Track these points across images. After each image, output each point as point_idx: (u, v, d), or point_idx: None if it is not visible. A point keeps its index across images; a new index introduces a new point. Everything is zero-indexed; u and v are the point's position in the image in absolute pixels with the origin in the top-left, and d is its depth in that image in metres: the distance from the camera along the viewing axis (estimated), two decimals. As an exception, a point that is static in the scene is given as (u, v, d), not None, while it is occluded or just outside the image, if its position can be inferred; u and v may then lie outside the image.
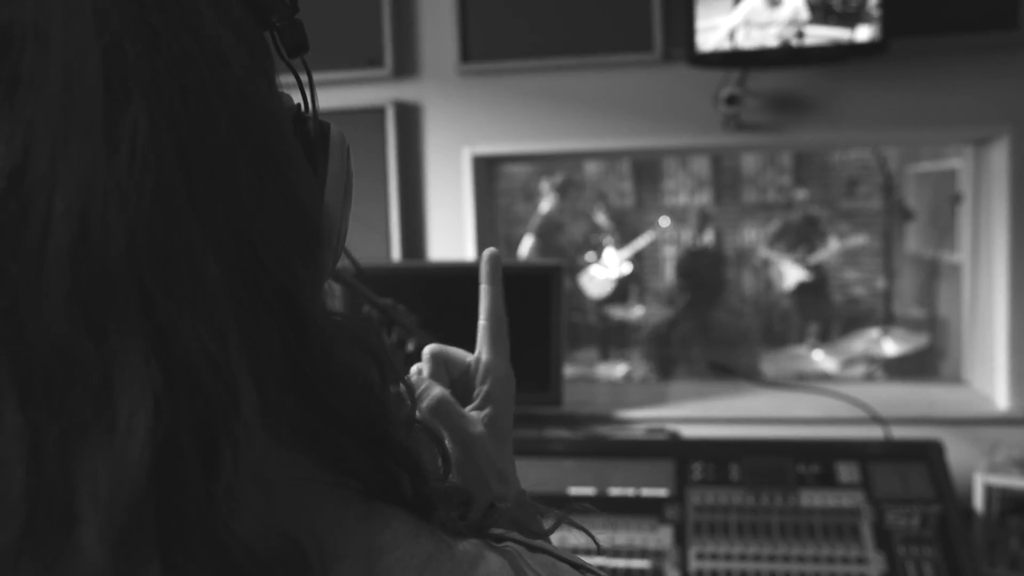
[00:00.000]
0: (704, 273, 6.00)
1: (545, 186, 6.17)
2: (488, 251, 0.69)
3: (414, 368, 0.66)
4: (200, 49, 0.37)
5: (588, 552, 1.17)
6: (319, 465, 0.41)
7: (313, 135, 0.47)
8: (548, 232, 5.99)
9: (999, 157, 1.84)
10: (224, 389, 0.34)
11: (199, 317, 0.34)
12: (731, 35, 1.74)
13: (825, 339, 5.77)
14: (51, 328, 0.32)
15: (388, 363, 0.45)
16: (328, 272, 0.47)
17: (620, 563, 1.45)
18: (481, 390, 0.66)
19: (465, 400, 0.66)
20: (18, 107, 0.33)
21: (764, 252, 6.11)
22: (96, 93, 0.34)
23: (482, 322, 0.68)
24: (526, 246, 5.90)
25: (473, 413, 0.64)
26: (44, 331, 0.32)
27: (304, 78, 0.49)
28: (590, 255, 6.23)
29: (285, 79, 0.47)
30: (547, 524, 0.53)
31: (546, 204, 6.10)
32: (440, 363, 0.67)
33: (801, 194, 6.08)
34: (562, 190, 6.15)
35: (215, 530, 0.33)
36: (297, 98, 0.48)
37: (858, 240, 5.84)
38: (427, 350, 0.67)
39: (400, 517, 0.42)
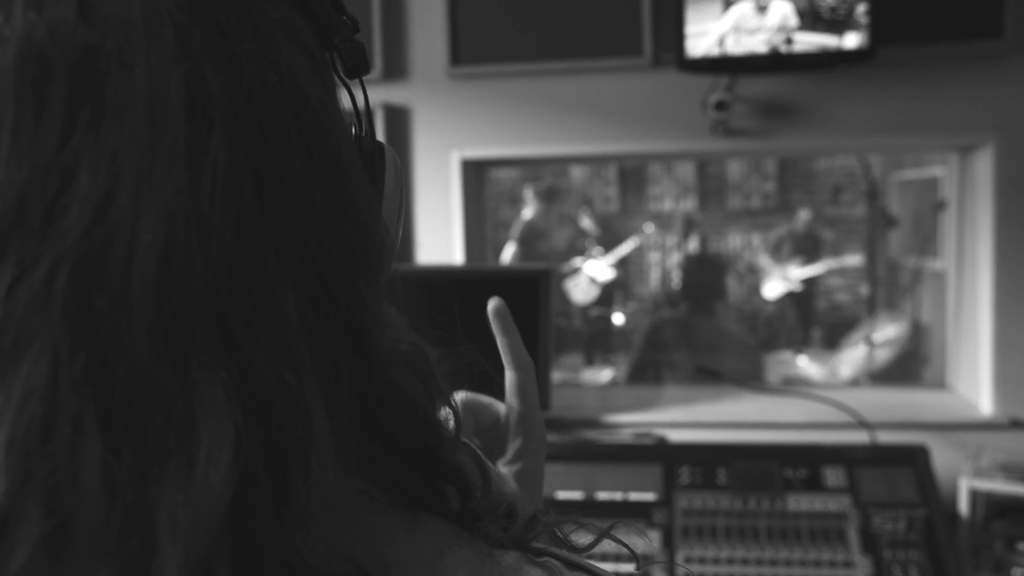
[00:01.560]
0: (705, 279, 6.02)
1: (529, 193, 6.17)
2: (491, 304, 0.70)
3: None
4: (279, 79, 0.37)
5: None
6: (374, 486, 0.41)
7: (368, 155, 0.47)
8: (531, 239, 5.99)
9: (983, 164, 1.85)
10: (299, 420, 0.34)
11: (276, 348, 0.34)
12: (720, 41, 1.75)
13: (808, 345, 5.80)
14: (134, 360, 0.31)
15: (436, 385, 0.46)
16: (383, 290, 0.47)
17: (608, 567, 1.45)
18: (515, 444, 0.65)
19: (493, 452, 0.66)
20: (103, 136, 0.33)
21: (763, 260, 6.12)
22: (179, 123, 0.33)
23: (510, 373, 0.67)
24: (508, 253, 5.90)
25: (504, 469, 0.64)
26: (127, 363, 0.31)
27: (361, 99, 0.48)
28: (576, 260, 6.23)
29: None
30: (586, 539, 0.51)
31: (529, 211, 6.10)
32: (469, 413, 0.67)
33: (804, 214, 6.10)
34: (547, 197, 6.15)
35: (287, 557, 0.33)
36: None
37: (854, 259, 5.87)
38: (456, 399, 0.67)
39: (443, 528, 0.43)
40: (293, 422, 0.34)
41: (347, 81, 0.46)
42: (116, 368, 0.31)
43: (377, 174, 0.47)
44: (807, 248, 5.92)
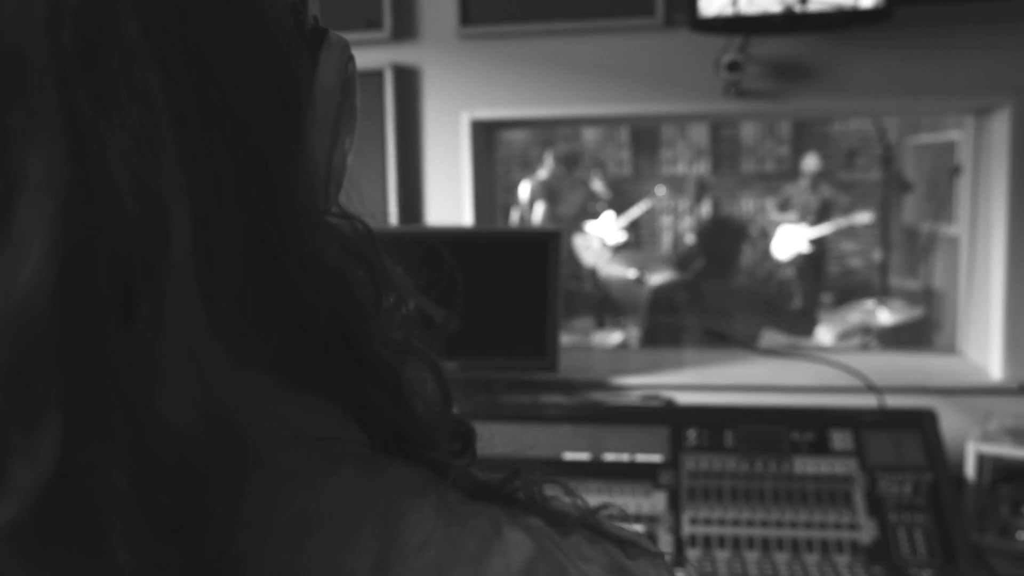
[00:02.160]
0: (721, 242, 6.01)
1: (548, 156, 6.15)
2: None
3: None
4: None
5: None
6: (280, 375, 0.36)
7: (307, 26, 0.41)
8: (547, 199, 6.00)
9: (1000, 127, 1.83)
10: (148, 216, 0.28)
11: (129, 128, 0.28)
12: (733, 0, 1.72)
13: (820, 309, 5.79)
14: None
15: (383, 273, 0.40)
16: (325, 164, 0.41)
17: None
18: None
19: None
20: None
21: (773, 215, 6.09)
22: None
23: None
24: (538, 212, 5.91)
25: None
26: None
27: None
28: (588, 223, 6.22)
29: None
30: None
31: (544, 172, 6.09)
32: None
33: (812, 162, 6.03)
34: (567, 162, 6.14)
35: (127, 398, 0.27)
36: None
37: (863, 217, 5.82)
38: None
39: (406, 472, 0.38)
40: (141, 219, 0.27)
41: None
42: None
43: (312, 42, 0.40)
44: (814, 207, 5.88)
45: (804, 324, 5.28)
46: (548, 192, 6.04)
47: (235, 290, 0.31)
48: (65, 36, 0.27)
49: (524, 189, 6.08)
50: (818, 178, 5.94)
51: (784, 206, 5.99)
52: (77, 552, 0.26)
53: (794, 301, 5.95)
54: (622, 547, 0.42)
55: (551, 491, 0.43)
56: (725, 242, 6.10)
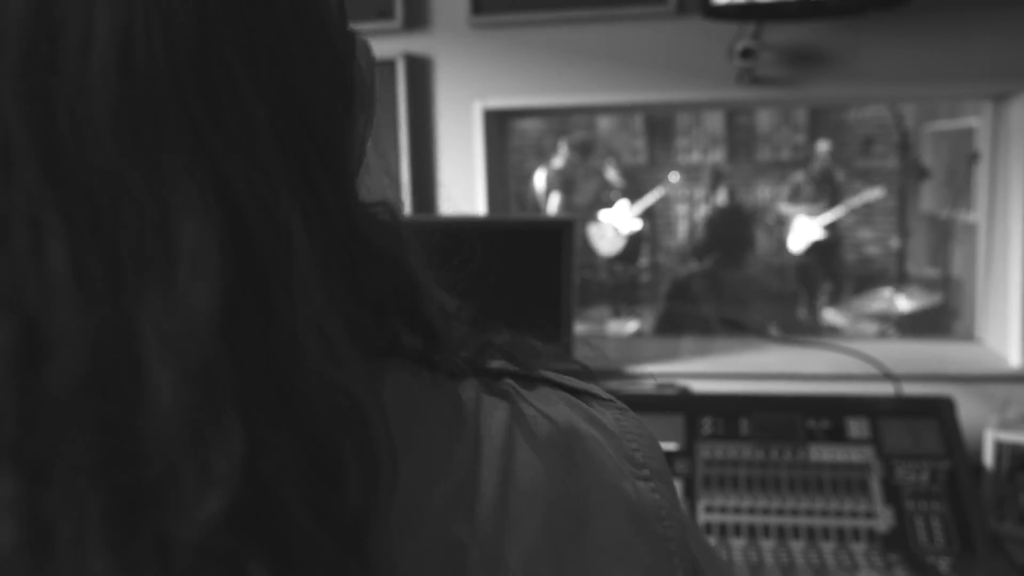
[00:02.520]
0: (733, 231, 5.98)
1: (563, 145, 6.14)
2: None
3: None
4: None
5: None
6: (365, 324, 0.40)
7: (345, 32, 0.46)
8: (563, 188, 5.99)
9: (1018, 113, 1.81)
10: (276, 237, 0.32)
11: (247, 157, 0.32)
12: (747, -14, 1.71)
13: (838, 297, 5.75)
14: (97, 151, 0.29)
15: (417, 250, 0.45)
16: (362, 147, 0.45)
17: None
18: None
19: None
20: None
21: (784, 208, 6.06)
22: None
23: None
24: (554, 202, 5.91)
25: None
26: (90, 154, 0.29)
27: None
28: (602, 212, 6.21)
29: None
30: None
31: (559, 160, 6.08)
32: None
33: (823, 145, 6.00)
34: (581, 149, 6.13)
35: (280, 385, 0.31)
36: None
37: (873, 193, 5.77)
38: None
39: (403, 365, 0.43)
40: (271, 238, 0.32)
41: None
42: (77, 160, 0.29)
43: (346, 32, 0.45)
44: (826, 191, 5.84)
45: (816, 316, 5.26)
46: (563, 181, 6.03)
47: (344, 289, 0.36)
48: (186, 80, 0.31)
49: (539, 178, 6.07)
50: (828, 162, 5.90)
51: (794, 196, 5.95)
52: (268, 529, 0.30)
53: (806, 294, 5.91)
54: (579, 396, 0.48)
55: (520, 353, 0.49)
56: (738, 231, 6.06)
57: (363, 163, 0.46)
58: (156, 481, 0.28)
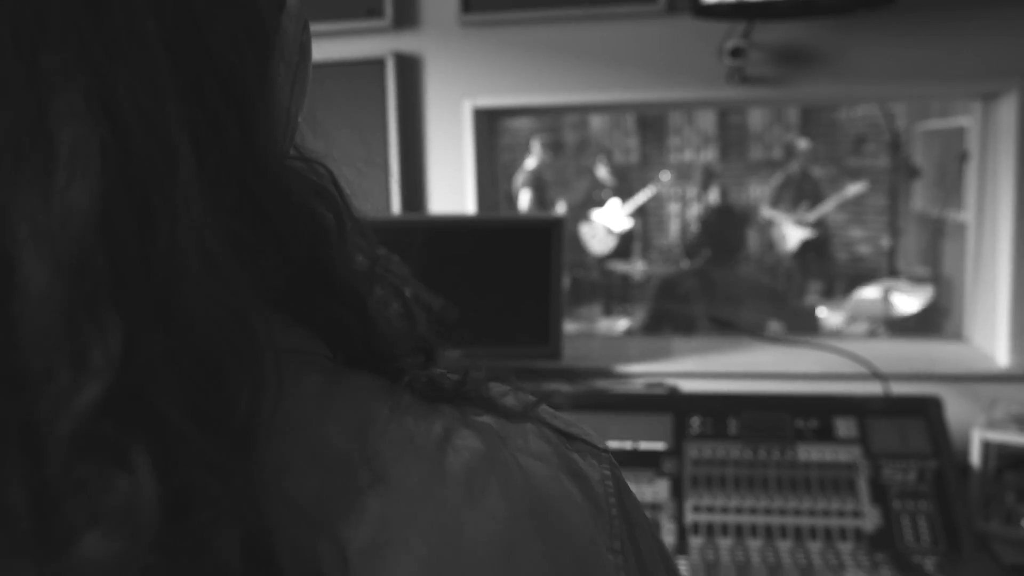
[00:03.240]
0: (725, 231, 5.99)
1: (535, 144, 6.15)
2: None
3: None
4: None
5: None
6: (261, 271, 0.39)
7: None
8: (539, 186, 6.00)
9: (1008, 113, 1.81)
10: (159, 149, 0.32)
11: (134, 69, 0.32)
12: (737, -15, 1.71)
13: (828, 296, 5.77)
14: None
15: (345, 206, 0.44)
16: (284, 108, 0.44)
17: (617, 515, 1.46)
18: None
19: None
20: None
21: (767, 213, 6.08)
22: None
23: None
24: (524, 199, 5.91)
25: None
26: None
27: None
28: (593, 211, 6.21)
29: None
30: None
31: (533, 160, 6.08)
32: None
33: (803, 143, 6.03)
34: (552, 148, 6.15)
35: (161, 300, 0.31)
36: None
37: (857, 187, 5.79)
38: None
39: (365, 379, 0.42)
40: (153, 150, 0.32)
41: None
42: None
43: None
44: (808, 191, 5.86)
45: (807, 315, 5.27)
46: (535, 179, 6.04)
47: (231, 211, 0.36)
48: None
49: (523, 179, 6.09)
50: (808, 161, 5.92)
51: (775, 199, 5.96)
52: (138, 427, 0.30)
53: (798, 291, 5.93)
54: (569, 440, 0.45)
55: (499, 386, 0.46)
56: (729, 230, 6.07)
57: (289, 121, 0.45)
58: (29, 372, 0.28)
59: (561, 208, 6.09)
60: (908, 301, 4.23)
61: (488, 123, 2.06)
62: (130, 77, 0.32)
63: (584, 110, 3.90)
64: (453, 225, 1.90)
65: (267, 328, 0.34)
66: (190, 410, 0.31)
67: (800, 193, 5.85)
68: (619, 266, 5.99)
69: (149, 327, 0.31)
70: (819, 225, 5.90)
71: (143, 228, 0.31)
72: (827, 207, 5.86)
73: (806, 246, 5.87)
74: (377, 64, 1.96)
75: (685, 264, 5.83)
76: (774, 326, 4.61)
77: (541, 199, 5.87)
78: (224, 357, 0.33)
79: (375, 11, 1.94)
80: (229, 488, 0.31)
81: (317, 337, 0.43)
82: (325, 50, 1.92)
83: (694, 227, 6.49)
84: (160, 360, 0.31)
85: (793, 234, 5.86)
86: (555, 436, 0.44)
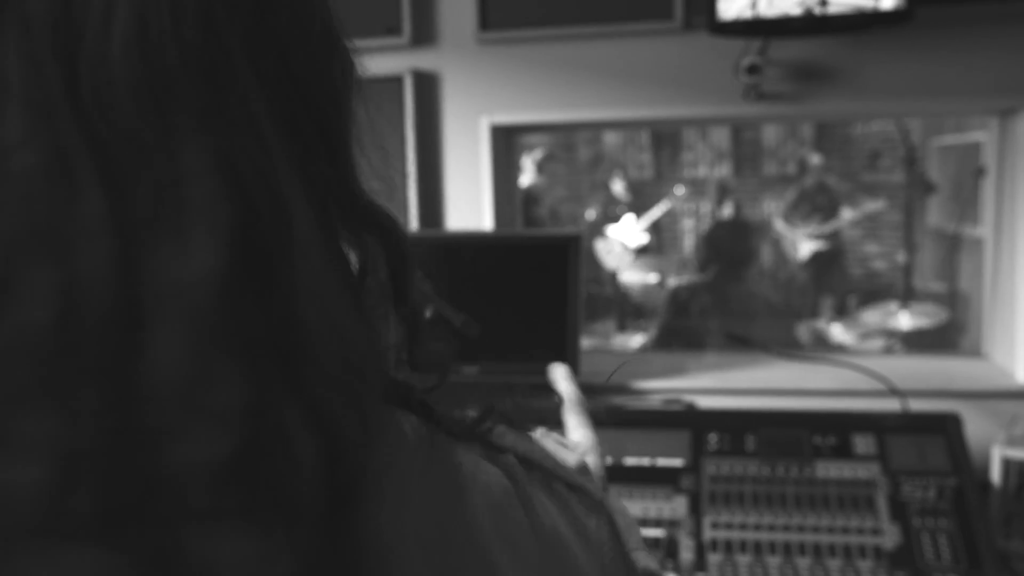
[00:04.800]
0: (732, 245, 5.97)
1: (527, 161, 6.16)
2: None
3: None
4: None
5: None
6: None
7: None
8: (525, 204, 6.00)
9: (1024, 128, 1.81)
10: (276, 206, 0.34)
11: (246, 132, 0.34)
12: (753, 3, 1.71)
13: (842, 312, 5.74)
14: (118, 111, 0.32)
15: (406, 246, 0.45)
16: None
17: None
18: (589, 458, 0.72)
19: None
20: None
21: (779, 225, 6.06)
22: None
23: (576, 406, 0.79)
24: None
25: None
26: (111, 113, 0.32)
27: None
28: (609, 227, 6.21)
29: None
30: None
31: (526, 178, 6.09)
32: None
33: (816, 159, 6.01)
34: (541, 166, 6.17)
35: (281, 344, 0.33)
36: None
37: (875, 205, 5.76)
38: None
39: (397, 417, 0.43)
40: (272, 208, 0.34)
41: None
42: (101, 119, 0.32)
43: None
44: (823, 205, 5.83)
45: (821, 331, 5.25)
46: (525, 198, 6.05)
47: (341, 258, 0.39)
48: (191, 63, 0.34)
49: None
50: (822, 175, 5.89)
51: (790, 212, 5.94)
52: (273, 478, 0.31)
53: (811, 306, 5.90)
54: (570, 490, 0.47)
55: (513, 433, 0.49)
56: (738, 243, 6.05)
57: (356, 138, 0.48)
58: (157, 426, 0.30)
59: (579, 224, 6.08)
60: (916, 321, 4.22)
61: (505, 140, 2.07)
62: (243, 141, 0.34)
63: (601, 127, 3.91)
64: (470, 241, 1.90)
65: (381, 382, 0.37)
66: (312, 455, 0.32)
67: (814, 207, 5.82)
68: (633, 277, 5.97)
69: (273, 378, 0.32)
70: (832, 238, 5.86)
71: (264, 287, 0.33)
72: (843, 221, 5.84)
73: (819, 259, 5.84)
74: (395, 81, 1.98)
75: (692, 277, 5.81)
76: (789, 342, 4.58)
77: (531, 217, 5.86)
78: (342, 416, 0.34)
79: (393, 29, 1.96)
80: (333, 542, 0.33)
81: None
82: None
83: (703, 241, 6.48)
84: (286, 409, 0.32)
85: (805, 244, 5.83)
86: (561, 486, 0.47)
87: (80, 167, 0.31)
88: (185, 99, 0.33)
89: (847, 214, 5.82)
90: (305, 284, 0.34)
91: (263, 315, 0.32)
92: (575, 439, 0.76)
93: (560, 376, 0.82)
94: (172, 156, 0.32)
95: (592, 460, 0.72)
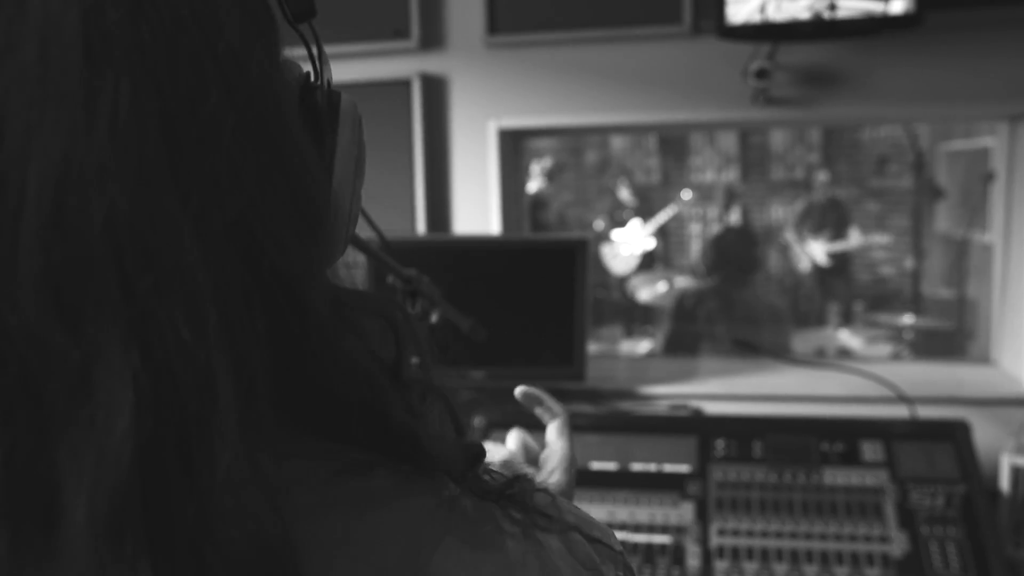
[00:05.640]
0: (737, 251, 5.95)
1: (536, 168, 6.16)
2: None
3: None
4: (191, 13, 0.34)
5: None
6: (321, 442, 0.41)
7: (322, 106, 0.45)
8: (533, 209, 5.98)
9: (1034, 134, 1.80)
10: (198, 382, 0.32)
11: (176, 303, 0.32)
12: (762, 7, 1.71)
13: (849, 319, 5.72)
14: (23, 316, 0.30)
15: (405, 325, 0.45)
16: (339, 250, 0.46)
17: (641, 538, 1.45)
18: (559, 479, 0.72)
19: None
20: None
21: (789, 236, 6.04)
22: (74, 60, 0.31)
23: (553, 422, 0.77)
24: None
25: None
26: (16, 319, 0.30)
27: (314, 47, 0.46)
28: (615, 232, 6.20)
29: (299, 51, 0.45)
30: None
31: (533, 185, 6.08)
32: (520, 445, 0.76)
33: (822, 176, 6.00)
34: (550, 175, 6.17)
35: (194, 536, 0.32)
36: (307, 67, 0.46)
37: (881, 239, 5.76)
38: (512, 435, 0.76)
39: (411, 492, 0.42)
40: (191, 384, 0.32)
41: (297, 27, 0.44)
42: (6, 326, 0.30)
43: (328, 126, 0.45)
44: (832, 220, 5.81)
45: (828, 337, 5.23)
46: (535, 205, 6.04)
47: (270, 407, 0.35)
48: (122, 234, 0.31)
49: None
50: (830, 191, 5.88)
51: (800, 223, 5.92)
52: None
53: (817, 313, 5.88)
54: (591, 542, 0.47)
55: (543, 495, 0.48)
56: (743, 249, 6.03)
57: (351, 218, 0.47)
58: None
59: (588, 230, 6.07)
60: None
61: (513, 143, 2.07)
62: (171, 312, 0.32)
63: (609, 131, 3.91)
64: (478, 245, 1.90)
65: (296, 565, 0.35)
66: None
67: (823, 221, 5.81)
68: (642, 288, 5.96)
69: (179, 565, 0.32)
70: (836, 257, 5.85)
71: (183, 468, 0.32)
72: (850, 244, 5.82)
73: (825, 268, 5.82)
74: (403, 85, 1.98)
75: (696, 282, 5.79)
76: (796, 348, 4.57)
77: (538, 222, 5.86)
78: None
79: (402, 32, 1.96)
80: None
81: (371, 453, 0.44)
82: (351, 71, 1.94)
83: (709, 246, 6.46)
84: None
85: (815, 252, 5.82)
86: (581, 539, 0.46)
87: None
88: (102, 285, 0.31)
89: (855, 238, 5.80)
90: (222, 471, 0.32)
91: (177, 498, 0.32)
92: (545, 454, 0.75)
93: (545, 396, 0.80)
94: (81, 352, 0.30)
95: (557, 477, 0.71)
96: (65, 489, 0.30)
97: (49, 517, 0.30)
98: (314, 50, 0.46)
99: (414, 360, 0.47)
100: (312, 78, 0.46)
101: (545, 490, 0.48)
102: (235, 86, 0.35)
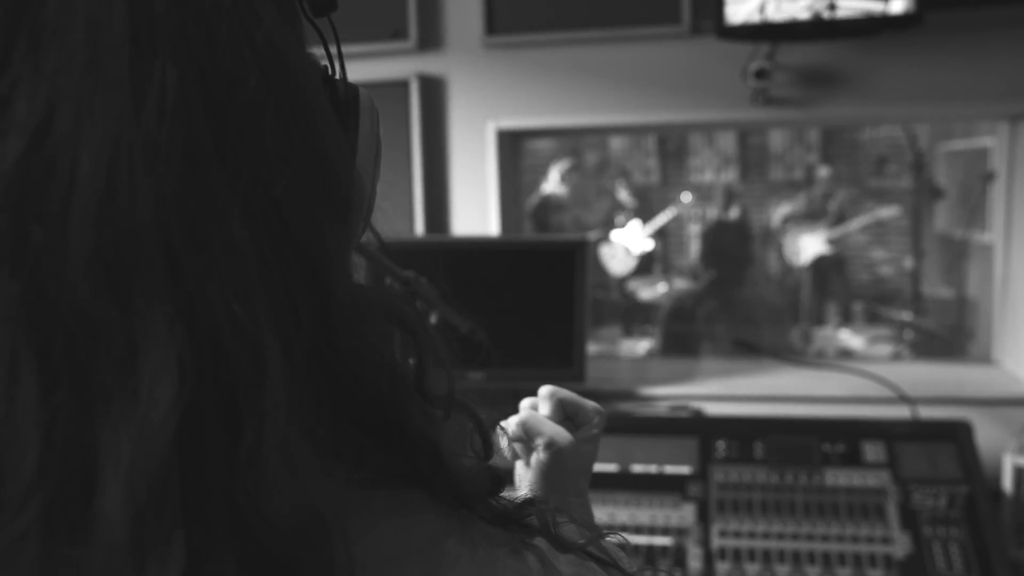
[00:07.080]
0: (729, 248, 5.95)
1: (554, 171, 6.15)
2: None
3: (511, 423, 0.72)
4: (233, 5, 0.36)
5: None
6: (339, 444, 0.40)
7: (342, 97, 0.46)
8: (545, 212, 5.97)
9: (1035, 133, 1.80)
10: (250, 356, 0.33)
11: (226, 281, 0.33)
12: (761, 7, 1.71)
13: (847, 318, 5.71)
14: (73, 293, 0.31)
15: (425, 335, 0.45)
16: (357, 238, 0.46)
17: (642, 540, 1.45)
18: (590, 428, 0.75)
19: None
20: (41, 61, 0.32)
21: (778, 224, 6.03)
22: (122, 46, 0.33)
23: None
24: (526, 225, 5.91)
25: (561, 429, 0.71)
26: (66, 296, 0.31)
27: (331, 40, 0.48)
28: (613, 232, 6.19)
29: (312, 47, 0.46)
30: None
31: (549, 186, 6.08)
32: (557, 403, 0.75)
33: (824, 171, 5.99)
34: (565, 177, 6.16)
35: (237, 503, 0.32)
36: (323, 62, 0.47)
37: (889, 211, 5.74)
38: (546, 390, 0.76)
39: (426, 510, 0.42)
40: (244, 358, 0.33)
41: (315, 22, 0.46)
42: (55, 302, 0.31)
43: (349, 116, 0.46)
44: (831, 214, 5.79)
45: (826, 337, 5.22)
46: (547, 207, 6.03)
47: (315, 400, 0.37)
48: (170, 216, 0.32)
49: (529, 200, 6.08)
50: (830, 187, 5.87)
51: (795, 217, 5.91)
52: None
53: (816, 312, 5.87)
54: (604, 567, 0.47)
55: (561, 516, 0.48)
56: (734, 245, 6.02)
57: (370, 204, 0.48)
58: None
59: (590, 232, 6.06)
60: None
61: (511, 144, 2.07)
62: (221, 286, 0.33)
63: (608, 131, 3.91)
64: (477, 246, 1.90)
65: (343, 529, 0.35)
66: None
67: (820, 216, 5.80)
68: (642, 290, 5.95)
69: (219, 547, 0.32)
70: (837, 243, 5.84)
71: (229, 439, 0.32)
72: (853, 226, 5.81)
73: (821, 265, 5.81)
74: (401, 86, 1.97)
75: (690, 283, 5.79)
76: (795, 348, 4.57)
77: (551, 225, 5.85)
78: (299, 565, 0.34)
79: (400, 33, 1.96)
80: None
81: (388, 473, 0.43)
82: (349, 72, 1.93)
83: (702, 238, 6.46)
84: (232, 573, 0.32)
85: (808, 247, 5.80)
86: (595, 566, 0.47)
87: (20, 357, 0.30)
88: (151, 265, 0.32)
89: (858, 220, 5.80)
90: (270, 442, 0.33)
91: (222, 477, 0.32)
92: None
93: (578, 398, 0.80)
94: (128, 333, 0.31)
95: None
96: (104, 463, 0.30)
97: (86, 491, 0.30)
98: (331, 46, 0.48)
99: (436, 371, 0.46)
100: (330, 72, 0.47)
101: (559, 511, 0.47)
102: (272, 73, 0.37)
